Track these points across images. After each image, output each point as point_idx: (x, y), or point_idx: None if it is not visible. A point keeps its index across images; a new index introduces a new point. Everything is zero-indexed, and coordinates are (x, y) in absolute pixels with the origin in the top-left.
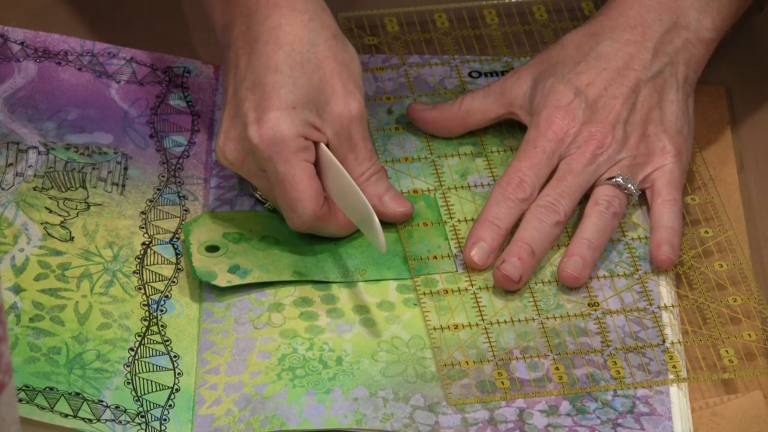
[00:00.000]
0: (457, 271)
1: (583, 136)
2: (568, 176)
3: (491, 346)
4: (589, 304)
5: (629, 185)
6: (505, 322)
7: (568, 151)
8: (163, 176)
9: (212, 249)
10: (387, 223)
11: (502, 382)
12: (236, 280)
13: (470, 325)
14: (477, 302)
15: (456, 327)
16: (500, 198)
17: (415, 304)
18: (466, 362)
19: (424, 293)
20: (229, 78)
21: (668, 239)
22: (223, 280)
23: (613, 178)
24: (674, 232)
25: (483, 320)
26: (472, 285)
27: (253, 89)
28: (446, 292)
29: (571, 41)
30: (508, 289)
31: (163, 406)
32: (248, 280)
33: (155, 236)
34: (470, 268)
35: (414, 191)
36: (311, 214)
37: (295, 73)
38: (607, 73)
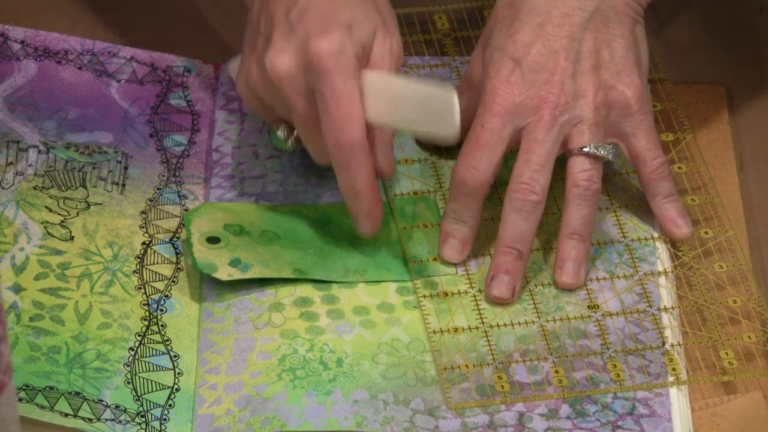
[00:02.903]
0: (456, 273)
1: (534, 102)
2: (534, 146)
3: (491, 350)
4: (588, 306)
5: (602, 152)
6: (505, 325)
7: (524, 120)
8: (164, 176)
9: (213, 240)
10: (387, 227)
11: (502, 386)
12: (237, 274)
13: (470, 329)
14: (477, 305)
15: (456, 330)
16: (455, 192)
17: (415, 307)
18: (466, 366)
19: (424, 296)
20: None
21: (678, 211)
22: (224, 273)
23: (583, 147)
24: (676, 199)
25: (483, 323)
26: (471, 287)
27: (308, 9)
28: (446, 294)
29: (503, 0)
30: (504, 304)
31: (163, 406)
32: (249, 275)
33: (155, 236)
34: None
35: (414, 193)
36: (360, 134)
37: None
38: (541, 28)
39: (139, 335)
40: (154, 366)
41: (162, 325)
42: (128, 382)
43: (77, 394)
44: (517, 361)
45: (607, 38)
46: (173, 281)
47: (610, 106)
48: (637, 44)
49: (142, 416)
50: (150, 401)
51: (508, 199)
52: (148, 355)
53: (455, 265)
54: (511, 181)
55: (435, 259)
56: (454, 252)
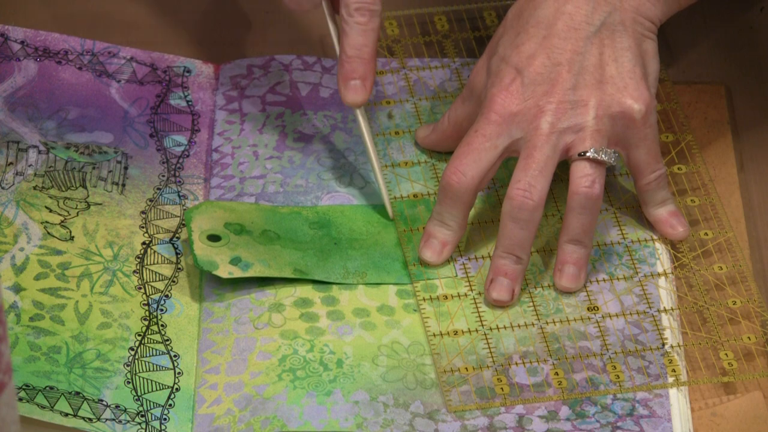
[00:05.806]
0: (456, 276)
1: (531, 113)
2: (533, 152)
3: (491, 352)
4: (588, 308)
5: (603, 157)
6: (505, 327)
7: (521, 131)
8: (164, 176)
9: (214, 238)
10: (387, 229)
11: (502, 388)
12: (238, 273)
13: (470, 331)
14: (476, 308)
15: (455, 333)
16: (442, 195)
17: (415, 310)
18: (466, 368)
19: (424, 299)
20: None
21: (671, 212)
22: (224, 271)
23: (585, 152)
24: (670, 202)
25: (482, 326)
26: (471, 290)
27: None
28: (446, 297)
29: (512, 12)
30: (503, 306)
31: (163, 406)
32: (249, 273)
33: (155, 236)
34: (426, 264)
35: (414, 195)
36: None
37: None
38: (547, 40)
39: (139, 335)
40: (154, 366)
41: (162, 325)
42: (128, 382)
43: (77, 393)
44: (516, 363)
45: (614, 53)
46: (173, 281)
47: (615, 118)
48: (645, 59)
49: (142, 416)
50: (150, 401)
51: (506, 205)
52: (148, 354)
53: (455, 267)
54: (509, 187)
55: None
56: (433, 252)
